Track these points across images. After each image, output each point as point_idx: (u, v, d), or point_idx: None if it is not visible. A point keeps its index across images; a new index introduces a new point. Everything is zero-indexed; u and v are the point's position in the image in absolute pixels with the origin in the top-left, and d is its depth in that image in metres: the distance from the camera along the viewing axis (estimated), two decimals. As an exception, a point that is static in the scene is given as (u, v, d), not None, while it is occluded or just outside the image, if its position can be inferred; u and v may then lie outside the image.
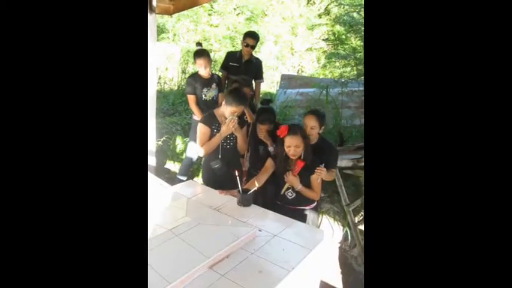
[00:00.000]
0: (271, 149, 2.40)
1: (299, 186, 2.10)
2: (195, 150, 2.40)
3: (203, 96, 3.23)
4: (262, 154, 2.48)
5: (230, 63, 3.58)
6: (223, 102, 2.28)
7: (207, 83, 3.22)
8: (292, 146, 2.04)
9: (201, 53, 3.20)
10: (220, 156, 2.35)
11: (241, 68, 3.49)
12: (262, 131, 2.47)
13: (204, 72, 3.18)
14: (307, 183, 2.12)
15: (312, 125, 2.21)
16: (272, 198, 2.25)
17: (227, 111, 2.25)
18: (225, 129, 2.25)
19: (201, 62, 3.14)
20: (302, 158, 2.09)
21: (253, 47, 3.51)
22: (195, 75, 3.28)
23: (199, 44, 3.41)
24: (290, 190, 2.15)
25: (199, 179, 3.44)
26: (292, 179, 2.09)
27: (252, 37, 3.50)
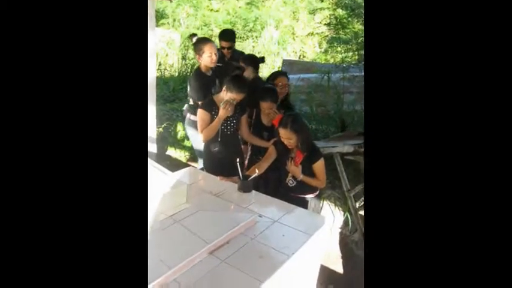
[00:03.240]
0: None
1: (300, 176, 2.10)
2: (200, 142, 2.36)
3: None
4: (266, 140, 2.46)
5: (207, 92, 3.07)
6: (224, 88, 2.26)
7: (212, 79, 2.79)
8: (284, 137, 2.03)
9: (207, 39, 2.79)
10: (219, 139, 2.35)
11: (224, 68, 3.05)
12: (265, 110, 2.42)
13: (211, 61, 2.65)
14: (310, 173, 2.12)
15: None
16: (274, 185, 2.26)
17: (227, 97, 2.23)
18: (223, 113, 2.22)
19: (210, 48, 2.61)
20: (300, 149, 2.08)
21: (230, 48, 3.16)
22: (201, 75, 2.74)
23: (194, 34, 3.02)
24: (291, 178, 2.15)
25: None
26: (293, 169, 2.10)
27: (225, 40, 3.13)
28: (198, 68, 2.77)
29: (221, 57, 3.09)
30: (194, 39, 2.83)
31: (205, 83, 2.70)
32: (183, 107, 3.11)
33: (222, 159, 2.36)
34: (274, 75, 2.75)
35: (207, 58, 2.62)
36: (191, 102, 2.84)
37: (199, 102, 2.54)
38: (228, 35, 3.18)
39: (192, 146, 3.31)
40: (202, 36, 3.01)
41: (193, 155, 3.59)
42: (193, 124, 2.77)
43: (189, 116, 2.87)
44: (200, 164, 3.00)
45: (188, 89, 2.92)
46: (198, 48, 2.65)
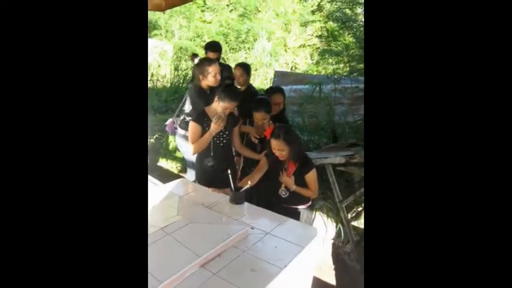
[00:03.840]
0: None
1: (293, 187, 2.10)
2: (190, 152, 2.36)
3: None
4: (259, 152, 2.46)
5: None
6: (215, 99, 2.26)
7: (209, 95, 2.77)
8: (276, 149, 2.03)
9: (211, 60, 2.72)
10: (212, 154, 2.34)
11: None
12: (258, 121, 2.43)
13: (215, 81, 2.65)
14: (302, 183, 2.13)
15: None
16: (266, 197, 2.25)
17: (219, 107, 2.23)
18: (214, 128, 2.22)
19: (214, 69, 2.61)
20: (292, 160, 2.09)
21: (217, 59, 3.08)
22: (203, 93, 2.72)
23: (195, 55, 2.97)
24: (284, 189, 2.15)
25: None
26: (286, 180, 2.10)
27: (212, 51, 3.12)
28: (199, 87, 2.73)
29: None
30: (196, 60, 2.80)
31: (207, 101, 2.65)
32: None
33: (215, 172, 2.35)
34: (271, 91, 2.77)
35: (212, 78, 2.63)
36: (187, 119, 2.80)
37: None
38: (214, 47, 3.19)
39: (183, 157, 3.29)
40: (204, 56, 2.90)
41: (185, 166, 3.57)
42: (185, 137, 2.77)
43: (184, 133, 2.83)
44: (188, 174, 3.00)
45: (186, 105, 2.87)
46: (202, 69, 2.65)
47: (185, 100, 2.90)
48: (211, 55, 3.09)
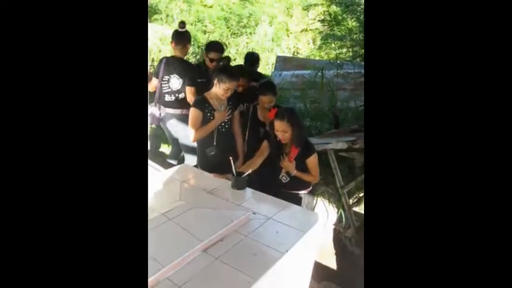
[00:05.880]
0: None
1: (294, 172, 2.10)
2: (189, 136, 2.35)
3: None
4: (262, 137, 2.45)
5: (198, 80, 2.87)
6: (215, 82, 2.25)
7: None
8: (279, 130, 2.03)
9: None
10: (215, 143, 2.34)
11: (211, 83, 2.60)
12: (265, 104, 2.43)
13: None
14: (303, 168, 2.12)
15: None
16: (268, 182, 2.25)
17: (220, 89, 2.22)
18: (220, 117, 2.27)
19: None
20: (294, 143, 2.08)
21: (219, 61, 2.87)
22: (187, 62, 2.84)
23: (183, 23, 2.92)
24: (285, 174, 2.15)
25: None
26: (287, 165, 2.10)
27: (215, 51, 2.90)
28: (180, 59, 2.87)
29: (205, 71, 2.91)
30: (184, 29, 2.87)
31: (198, 69, 2.81)
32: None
33: (217, 158, 2.35)
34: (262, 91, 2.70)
35: (222, 91, 2.28)
36: (180, 96, 2.89)
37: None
38: (218, 46, 3.01)
39: (176, 142, 3.19)
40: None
41: (183, 152, 3.50)
42: (181, 117, 2.84)
43: (180, 112, 2.89)
44: (188, 160, 2.98)
45: (174, 83, 2.89)
46: (223, 78, 2.27)
47: (167, 80, 2.89)
48: (213, 56, 2.89)
